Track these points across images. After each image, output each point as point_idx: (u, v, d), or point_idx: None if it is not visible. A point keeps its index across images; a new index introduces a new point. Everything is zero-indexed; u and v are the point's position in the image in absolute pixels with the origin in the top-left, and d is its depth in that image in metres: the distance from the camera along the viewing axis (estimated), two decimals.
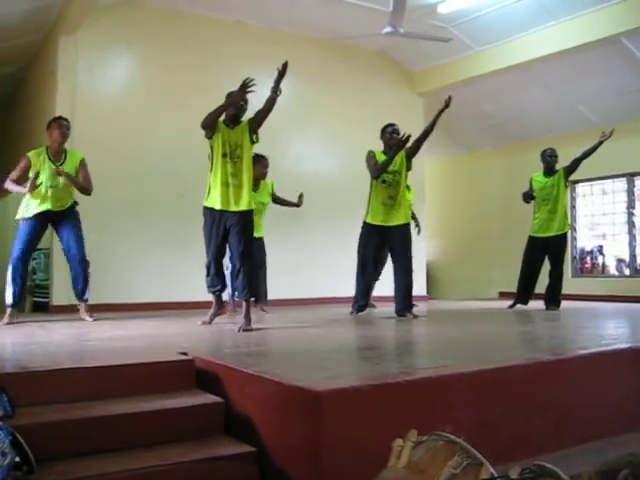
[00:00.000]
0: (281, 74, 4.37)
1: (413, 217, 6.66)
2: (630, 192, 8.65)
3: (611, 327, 5.03)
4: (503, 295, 8.69)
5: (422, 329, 4.90)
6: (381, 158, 5.50)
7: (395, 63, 8.98)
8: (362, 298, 5.70)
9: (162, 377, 2.82)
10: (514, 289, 6.72)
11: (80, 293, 5.21)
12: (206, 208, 4.54)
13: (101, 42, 6.84)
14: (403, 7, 6.04)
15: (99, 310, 5.48)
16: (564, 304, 6.51)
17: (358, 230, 5.65)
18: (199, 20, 7.38)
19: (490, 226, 9.86)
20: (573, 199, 9.12)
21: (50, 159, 5.01)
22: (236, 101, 4.41)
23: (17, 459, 1.90)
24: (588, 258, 9.21)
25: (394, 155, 5.41)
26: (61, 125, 5.06)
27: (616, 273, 8.94)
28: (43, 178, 4.94)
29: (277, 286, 6.45)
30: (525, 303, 6.59)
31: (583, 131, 8.13)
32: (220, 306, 4.76)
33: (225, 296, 5.04)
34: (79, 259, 5.14)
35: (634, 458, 1.10)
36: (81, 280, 5.17)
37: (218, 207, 4.46)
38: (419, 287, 6.85)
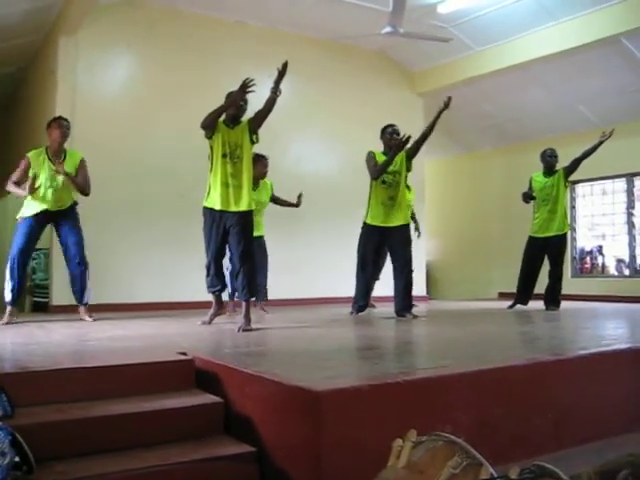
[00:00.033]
0: (281, 74, 4.37)
1: (413, 219, 6.66)
2: (630, 192, 8.65)
3: (611, 327, 5.03)
4: (503, 295, 8.69)
5: (422, 329, 4.90)
6: (381, 159, 5.50)
7: (395, 63, 8.98)
8: (362, 298, 5.71)
9: (162, 377, 2.82)
10: (514, 289, 6.72)
11: (79, 297, 5.20)
12: (206, 208, 4.54)
13: (101, 42, 6.84)
14: (403, 7, 6.04)
15: (99, 310, 5.47)
16: (564, 304, 6.51)
17: (358, 230, 5.65)
18: (199, 20, 7.38)
19: (490, 226, 9.87)
20: (573, 199, 9.12)
21: (50, 159, 5.01)
22: (236, 101, 4.41)
23: (17, 459, 1.90)
24: (588, 258, 9.21)
25: (394, 156, 5.41)
26: (61, 125, 5.06)
27: (616, 273, 8.94)
28: (43, 178, 4.94)
29: (277, 286, 6.45)
30: (525, 303, 6.59)
31: (583, 131, 8.14)
32: (220, 306, 4.76)
33: (225, 296, 5.04)
34: (78, 260, 5.13)
35: (634, 459, 1.10)
36: (78, 282, 5.16)
37: (218, 207, 4.46)
38: (419, 287, 6.85)
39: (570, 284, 7.76)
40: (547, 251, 6.43)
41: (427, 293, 9.29)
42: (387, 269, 5.79)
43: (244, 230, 4.47)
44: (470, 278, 10.12)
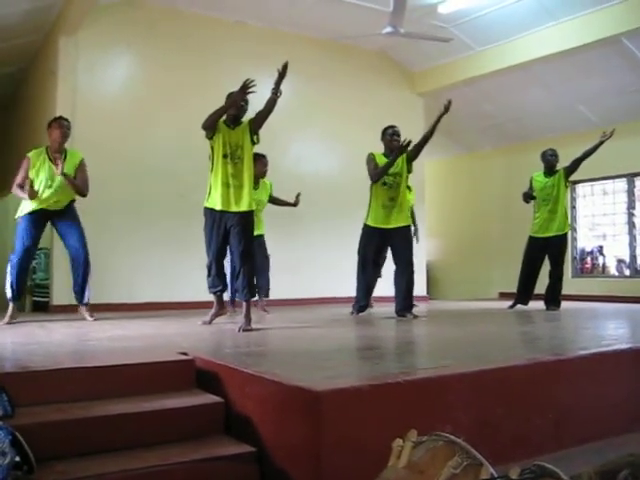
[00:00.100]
0: (281, 75, 4.37)
1: (413, 223, 6.66)
2: (630, 192, 8.65)
3: (611, 327, 5.03)
4: (503, 295, 8.69)
5: (422, 329, 4.90)
6: (381, 160, 5.50)
7: (395, 63, 8.98)
8: (363, 298, 5.71)
9: (162, 377, 2.82)
10: (514, 289, 6.72)
11: (79, 296, 5.21)
12: (207, 209, 4.54)
13: (101, 42, 6.85)
14: (403, 7, 6.04)
15: (99, 310, 5.47)
16: (564, 304, 6.51)
17: (358, 230, 5.65)
18: (199, 20, 7.38)
19: (490, 226, 9.87)
20: (573, 199, 9.12)
21: (50, 159, 5.01)
22: (237, 102, 4.41)
23: (17, 459, 1.90)
24: (588, 258, 9.21)
25: (394, 160, 5.41)
26: (61, 125, 5.06)
27: (616, 273, 8.94)
28: (43, 178, 4.94)
29: (277, 286, 6.45)
30: (525, 303, 6.59)
31: (583, 131, 8.14)
32: (221, 306, 4.76)
33: (225, 296, 5.04)
34: (83, 258, 5.13)
35: (634, 459, 1.10)
36: (80, 280, 5.16)
37: (219, 208, 4.46)
38: (419, 287, 6.85)
39: (570, 284, 7.76)
40: (547, 251, 6.43)
41: (427, 293, 9.29)
42: (388, 269, 5.79)
43: (245, 230, 4.47)
44: (470, 278, 10.12)
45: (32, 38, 7.25)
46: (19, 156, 5.30)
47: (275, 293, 6.39)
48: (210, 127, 4.42)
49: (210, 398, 2.66)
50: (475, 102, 8.99)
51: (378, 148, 5.65)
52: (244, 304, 4.48)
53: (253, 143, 4.55)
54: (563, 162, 6.40)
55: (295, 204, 6.20)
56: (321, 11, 7.43)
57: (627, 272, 8.74)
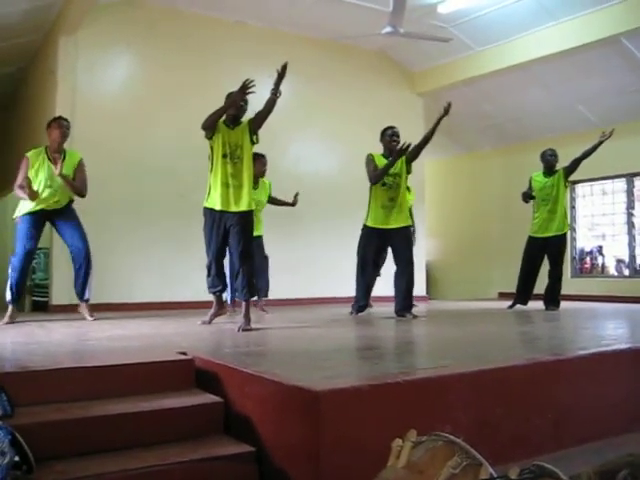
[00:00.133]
0: (281, 76, 4.38)
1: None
2: (630, 192, 8.65)
3: (610, 327, 5.03)
4: (503, 295, 8.69)
5: (422, 329, 4.90)
6: (380, 161, 5.50)
7: (395, 63, 8.98)
8: (363, 298, 5.71)
9: (161, 377, 2.82)
10: (514, 289, 6.72)
11: (80, 292, 5.20)
12: (206, 208, 4.54)
13: (101, 42, 6.84)
14: (403, 7, 6.04)
15: (99, 310, 5.47)
16: (563, 304, 6.51)
17: (358, 230, 5.65)
18: (199, 20, 7.38)
19: (490, 226, 9.87)
20: (573, 199, 9.12)
21: (49, 159, 5.01)
22: (236, 102, 4.42)
23: (16, 458, 1.90)
24: (588, 258, 9.21)
25: (393, 163, 5.41)
26: (61, 125, 5.06)
27: (615, 273, 8.94)
28: (42, 177, 4.94)
29: (277, 286, 6.45)
30: (524, 303, 6.59)
31: (583, 131, 8.14)
32: (220, 306, 4.76)
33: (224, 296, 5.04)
34: (84, 255, 5.12)
35: (633, 459, 1.10)
36: (81, 278, 5.16)
37: (218, 207, 4.46)
38: (419, 287, 6.84)
39: (570, 284, 7.76)
40: (547, 251, 6.43)
41: (427, 293, 9.29)
42: (387, 269, 5.79)
43: (244, 230, 4.48)
44: (470, 278, 10.12)
45: (32, 38, 7.25)
46: (19, 156, 5.29)
47: (274, 293, 6.39)
48: (210, 127, 4.42)
49: (209, 398, 2.66)
50: (475, 102, 8.99)
51: (378, 148, 5.66)
52: (243, 304, 4.48)
53: (252, 143, 4.56)
54: (562, 162, 6.40)
55: (293, 204, 6.22)
56: (321, 11, 7.43)
57: (626, 272, 8.74)
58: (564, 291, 6.56)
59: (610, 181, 8.84)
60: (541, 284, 6.49)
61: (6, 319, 4.87)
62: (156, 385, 2.75)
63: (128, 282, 6.73)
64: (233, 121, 4.52)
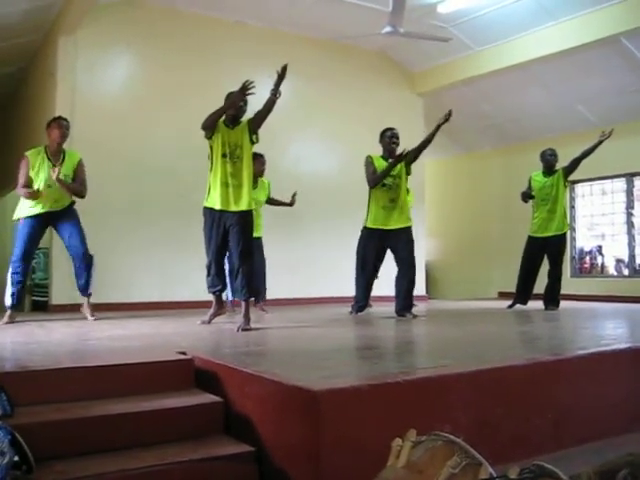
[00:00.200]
0: (280, 77, 4.38)
1: None
2: (629, 192, 8.65)
3: (610, 327, 5.03)
4: (502, 295, 8.70)
5: (421, 329, 4.90)
6: (379, 163, 5.50)
7: (395, 63, 8.98)
8: (363, 298, 5.71)
9: (161, 377, 2.82)
10: (513, 289, 6.72)
11: (83, 287, 5.19)
12: (206, 208, 4.55)
13: (101, 42, 6.84)
14: (403, 7, 6.04)
15: (99, 309, 5.47)
16: (563, 304, 6.51)
17: (358, 230, 5.65)
18: (199, 20, 7.38)
19: (490, 226, 9.87)
20: (572, 199, 9.12)
21: (49, 159, 5.00)
22: (236, 103, 4.42)
23: (16, 458, 1.90)
24: (587, 258, 9.21)
25: (392, 168, 5.42)
26: (61, 125, 5.05)
27: (615, 273, 8.94)
28: (42, 177, 4.93)
29: (276, 286, 6.45)
30: (524, 303, 6.59)
31: (582, 131, 8.14)
32: (220, 306, 4.76)
33: (224, 296, 5.04)
34: (82, 254, 5.12)
35: (633, 458, 1.10)
36: (84, 275, 5.15)
37: (218, 207, 4.46)
38: (418, 287, 6.84)
39: (569, 284, 7.77)
40: (546, 251, 6.43)
41: (427, 293, 9.29)
42: (388, 269, 5.79)
43: (244, 230, 4.48)
44: (470, 278, 10.13)
45: (32, 38, 7.25)
46: (19, 156, 5.29)
47: (274, 293, 6.40)
48: (209, 127, 4.42)
49: (209, 398, 2.66)
50: (474, 102, 8.99)
51: (377, 148, 5.66)
52: (243, 304, 4.48)
53: (252, 143, 4.56)
54: (562, 162, 6.40)
55: (291, 204, 6.22)
56: (321, 11, 7.43)
57: (626, 272, 8.74)
58: (564, 291, 6.56)
59: (610, 181, 8.84)
60: (541, 284, 6.49)
61: (6, 319, 4.87)
62: (156, 385, 2.75)
63: (128, 282, 6.73)
64: (233, 121, 4.52)
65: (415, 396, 2.39)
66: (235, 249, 4.46)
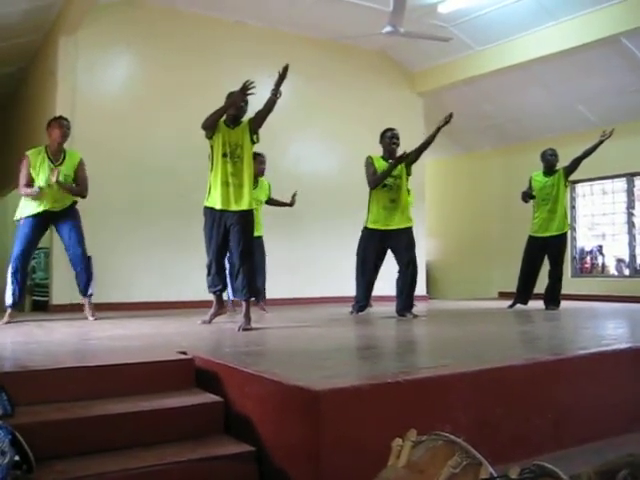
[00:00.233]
0: (281, 77, 4.38)
1: None
2: (630, 192, 8.65)
3: (611, 327, 5.03)
4: (503, 295, 8.70)
5: (422, 329, 4.90)
6: (379, 164, 5.50)
7: (395, 63, 8.98)
8: (363, 298, 5.71)
9: (162, 376, 2.82)
10: (514, 289, 6.72)
11: (84, 289, 5.20)
12: (206, 208, 4.55)
13: (101, 42, 6.84)
14: (403, 7, 6.04)
15: (99, 309, 5.46)
16: (564, 304, 6.51)
17: (358, 230, 5.65)
18: (199, 20, 7.38)
19: (490, 226, 9.87)
20: (573, 199, 9.12)
21: (49, 158, 5.00)
22: (236, 103, 4.42)
23: (16, 458, 1.90)
24: (588, 258, 9.21)
25: (392, 169, 5.42)
26: (61, 125, 5.05)
27: (616, 273, 8.94)
28: (43, 177, 4.94)
29: (276, 285, 6.45)
30: (525, 303, 6.59)
31: (583, 131, 8.14)
32: (220, 306, 4.76)
33: (224, 296, 5.04)
34: (80, 256, 5.13)
35: (633, 459, 1.10)
36: (84, 277, 5.16)
37: (218, 207, 4.47)
38: (419, 287, 6.83)
39: (570, 284, 7.76)
40: (547, 251, 6.43)
41: (427, 293, 9.29)
42: (389, 269, 5.79)
43: (244, 229, 4.48)
44: (470, 278, 10.12)
45: (32, 37, 7.25)
46: (19, 156, 5.29)
47: (274, 292, 6.39)
48: (210, 127, 4.43)
49: (209, 397, 2.66)
50: (475, 102, 8.99)
51: (377, 148, 5.66)
52: (243, 303, 4.48)
53: (253, 142, 4.56)
54: (563, 162, 6.40)
55: (291, 204, 6.21)
56: (321, 11, 7.43)
57: (626, 272, 8.74)
58: (564, 291, 6.56)
59: (610, 181, 8.84)
60: (541, 284, 6.49)
61: (5, 319, 4.87)
62: (156, 385, 2.75)
63: (128, 282, 6.73)
64: (233, 121, 4.52)
65: (415, 396, 2.39)
66: (236, 249, 4.46)
